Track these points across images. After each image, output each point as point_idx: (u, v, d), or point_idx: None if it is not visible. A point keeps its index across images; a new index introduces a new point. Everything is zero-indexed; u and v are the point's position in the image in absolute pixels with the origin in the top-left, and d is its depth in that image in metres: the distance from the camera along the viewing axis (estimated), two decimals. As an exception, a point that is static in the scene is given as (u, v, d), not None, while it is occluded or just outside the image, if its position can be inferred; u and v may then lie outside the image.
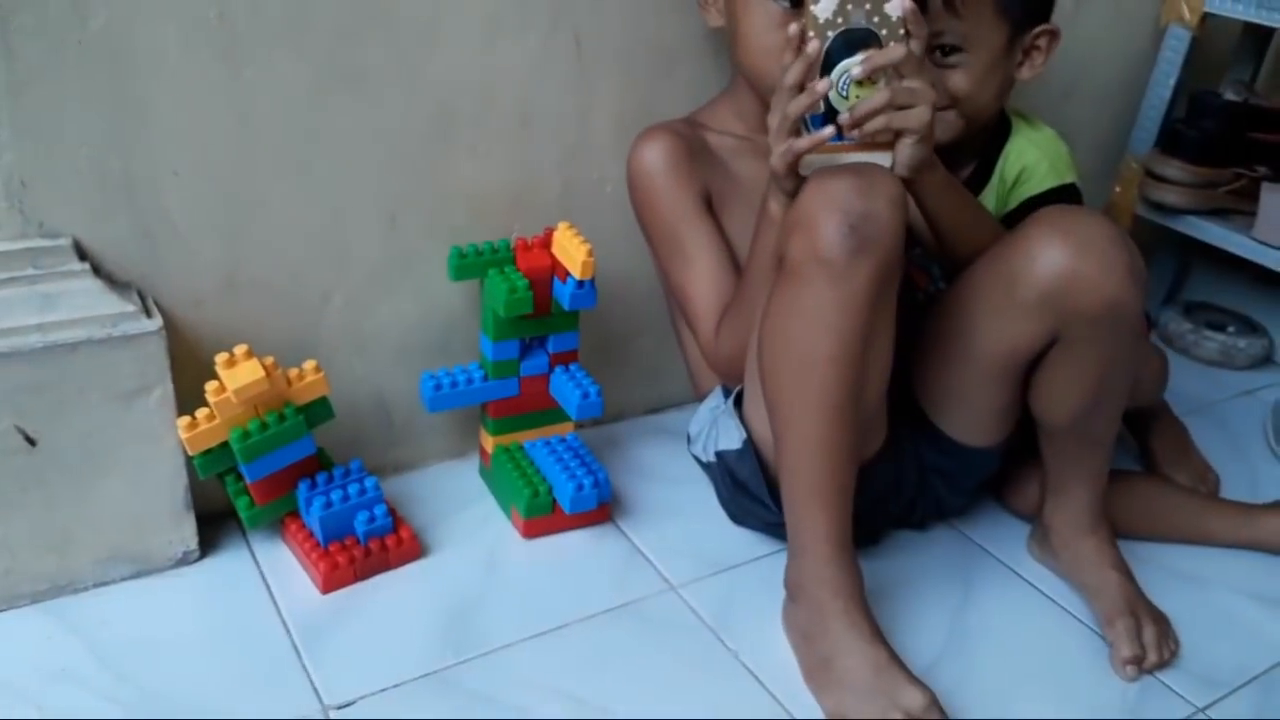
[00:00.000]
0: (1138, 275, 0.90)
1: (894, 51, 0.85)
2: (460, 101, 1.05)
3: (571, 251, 1.04)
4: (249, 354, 0.94)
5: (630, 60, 1.13)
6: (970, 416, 1.04)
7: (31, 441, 0.89)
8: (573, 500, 1.08)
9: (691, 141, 1.08)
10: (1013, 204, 1.16)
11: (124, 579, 0.97)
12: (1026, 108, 1.38)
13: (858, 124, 0.87)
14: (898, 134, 0.87)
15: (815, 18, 0.85)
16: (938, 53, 1.06)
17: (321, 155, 1.00)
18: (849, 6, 0.85)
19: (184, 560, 1.00)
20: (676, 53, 1.15)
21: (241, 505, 1.00)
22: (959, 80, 1.07)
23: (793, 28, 0.86)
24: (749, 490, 1.05)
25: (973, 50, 1.06)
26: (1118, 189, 1.64)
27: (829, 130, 0.87)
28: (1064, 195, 1.14)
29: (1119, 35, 1.56)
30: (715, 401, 1.11)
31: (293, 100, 0.96)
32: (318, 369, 0.99)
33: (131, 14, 0.86)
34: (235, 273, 1.00)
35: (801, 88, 0.86)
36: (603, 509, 1.12)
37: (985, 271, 0.96)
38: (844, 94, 0.87)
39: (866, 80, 0.86)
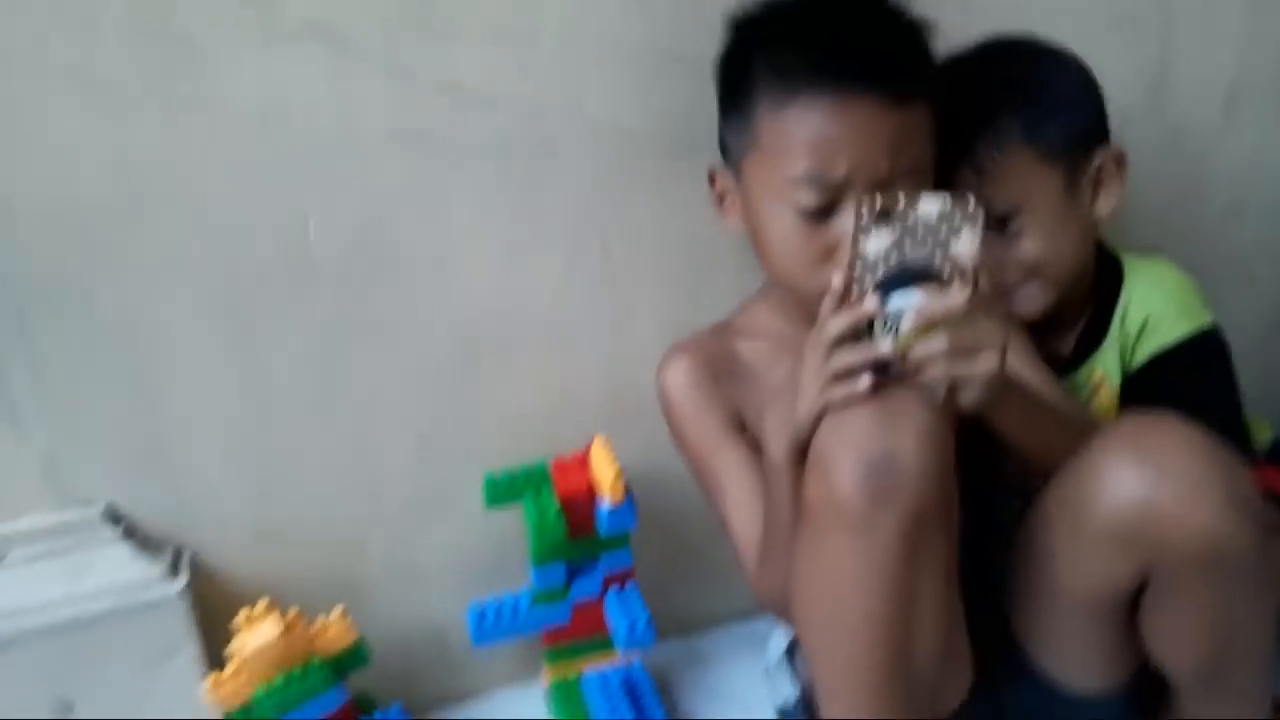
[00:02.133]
0: (1242, 502, 0.71)
1: (954, 299, 0.72)
2: (485, 327, 1.02)
3: (602, 472, 0.98)
4: (269, 608, 0.93)
5: (667, 261, 1.06)
6: (1073, 656, 0.86)
7: (69, 708, 0.91)
8: (620, 751, 0.98)
9: (717, 357, 0.98)
10: (1140, 358, 0.99)
11: (168, 838, 0.97)
12: (1183, 236, 1.20)
13: (911, 372, 0.74)
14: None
15: (864, 257, 0.74)
16: (992, 224, 0.94)
17: (344, 398, 0.99)
18: (906, 242, 0.73)
19: (227, 816, 0.99)
20: (718, 248, 1.07)
21: (284, 758, 0.98)
22: (1028, 248, 0.94)
23: (836, 279, 0.75)
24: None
25: (1030, 208, 0.94)
26: (1319, 315, 1.37)
27: (865, 383, 0.73)
28: (1202, 345, 0.96)
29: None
30: (781, 639, 0.99)
31: (307, 353, 0.97)
32: (345, 614, 0.97)
33: (141, 293, 0.90)
34: (269, 521, 1.00)
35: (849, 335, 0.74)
36: (660, 755, 1.01)
37: (1054, 494, 0.80)
38: (893, 331, 0.74)
39: None
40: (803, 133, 0.82)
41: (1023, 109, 0.92)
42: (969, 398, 0.74)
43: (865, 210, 0.73)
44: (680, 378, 0.98)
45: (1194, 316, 0.97)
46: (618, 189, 1.02)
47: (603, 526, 1.00)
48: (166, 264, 0.90)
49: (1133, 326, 0.98)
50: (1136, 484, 0.73)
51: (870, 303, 0.73)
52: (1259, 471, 1.03)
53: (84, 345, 0.90)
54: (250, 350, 0.95)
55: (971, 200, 0.72)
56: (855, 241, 0.74)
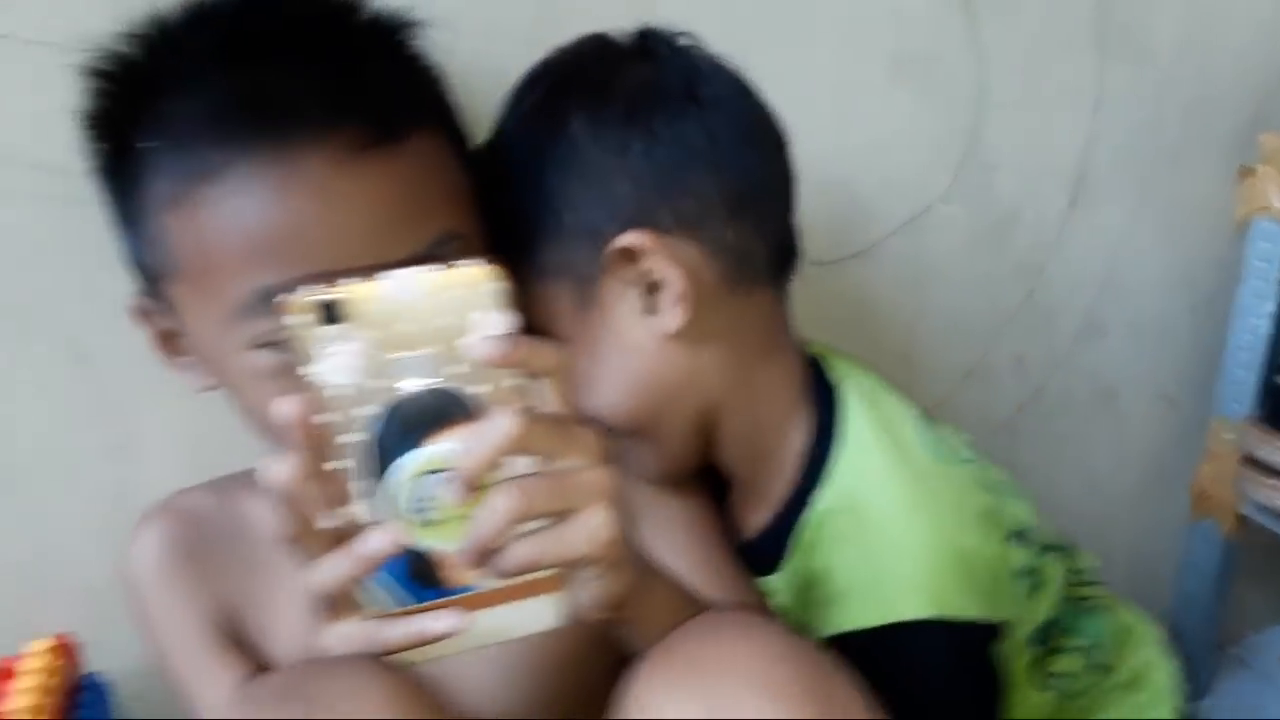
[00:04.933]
0: None
1: (498, 428, 0.40)
2: None
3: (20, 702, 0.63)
4: None
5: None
6: None
7: None
8: None
9: (208, 526, 0.66)
10: (819, 625, 0.62)
11: None
12: (1026, 362, 0.88)
13: (483, 563, 0.42)
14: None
15: (323, 391, 0.41)
16: None
17: None
18: (390, 360, 0.41)
19: None
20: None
21: None
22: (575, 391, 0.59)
23: (286, 408, 0.41)
24: None
25: (550, 333, 0.60)
26: (1205, 468, 1.01)
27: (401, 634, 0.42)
28: (898, 642, 0.58)
29: (1177, 234, 0.99)
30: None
31: None
32: None
33: None
34: None
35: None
36: None
37: None
38: (422, 515, 0.42)
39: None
40: (231, 231, 0.50)
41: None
42: (591, 596, 0.45)
43: (296, 310, 0.40)
44: (147, 558, 0.66)
45: (909, 597, 0.58)
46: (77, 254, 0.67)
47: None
48: None
49: (804, 569, 0.62)
50: None
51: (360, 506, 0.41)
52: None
53: None
54: None
55: (481, 263, 0.41)
56: (305, 368, 0.41)
